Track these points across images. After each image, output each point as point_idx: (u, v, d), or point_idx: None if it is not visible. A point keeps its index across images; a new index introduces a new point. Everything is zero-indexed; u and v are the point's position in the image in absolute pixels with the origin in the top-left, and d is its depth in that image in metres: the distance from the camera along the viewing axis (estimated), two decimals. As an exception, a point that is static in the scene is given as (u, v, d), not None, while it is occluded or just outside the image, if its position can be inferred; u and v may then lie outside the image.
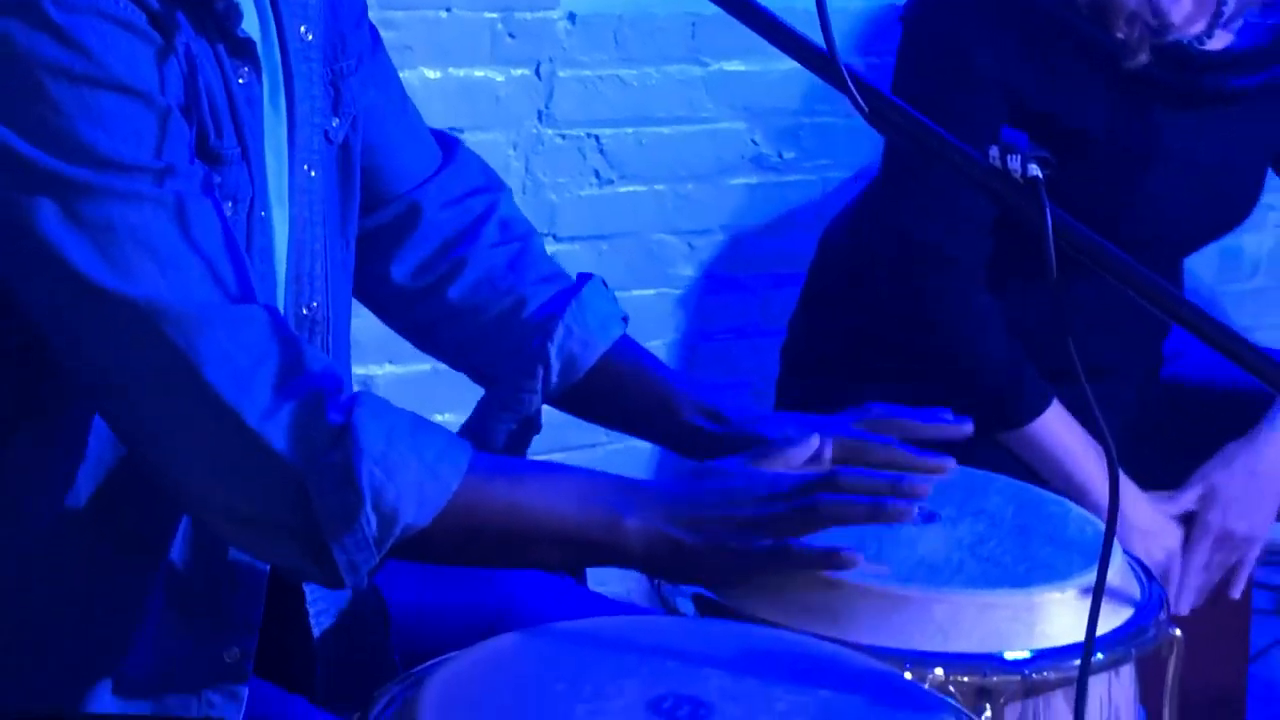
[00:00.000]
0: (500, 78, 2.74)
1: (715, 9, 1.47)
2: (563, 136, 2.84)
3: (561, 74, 2.79)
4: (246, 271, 1.48)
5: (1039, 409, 2.17)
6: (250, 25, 1.58)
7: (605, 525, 1.53)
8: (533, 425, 1.87)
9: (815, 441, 1.71)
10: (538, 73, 2.76)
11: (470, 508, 1.49)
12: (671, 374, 1.90)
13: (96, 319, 1.43)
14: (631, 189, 2.93)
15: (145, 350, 1.42)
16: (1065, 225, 1.42)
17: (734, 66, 2.93)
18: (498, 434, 1.87)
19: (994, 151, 1.42)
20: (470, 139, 2.67)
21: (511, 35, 2.73)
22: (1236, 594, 2.25)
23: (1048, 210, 1.40)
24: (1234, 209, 2.37)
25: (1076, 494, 2.10)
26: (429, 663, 1.48)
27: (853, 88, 1.42)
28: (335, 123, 1.71)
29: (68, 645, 1.57)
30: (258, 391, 1.42)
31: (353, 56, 1.74)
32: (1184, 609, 2.23)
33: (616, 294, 1.92)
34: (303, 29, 1.64)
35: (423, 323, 1.92)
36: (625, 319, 1.90)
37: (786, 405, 2.45)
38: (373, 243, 1.87)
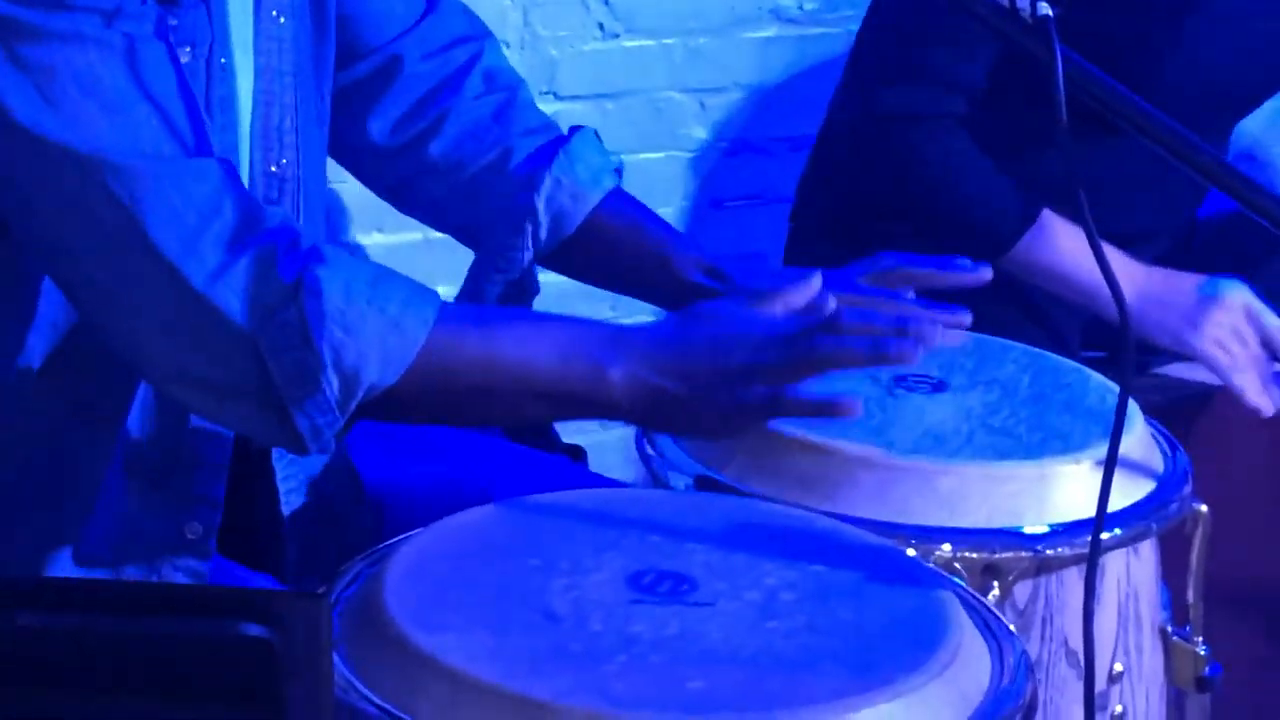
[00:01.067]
0: None
1: None
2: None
3: None
4: (201, 122, 1.47)
5: (1026, 224, 2.22)
6: None
7: (588, 375, 1.50)
8: (527, 289, 1.87)
9: (816, 282, 1.65)
10: None
11: (440, 363, 1.48)
12: (669, 230, 1.89)
13: (39, 170, 1.42)
14: (639, 43, 2.91)
15: (90, 205, 1.42)
16: (1079, 69, 1.42)
17: None
18: (491, 298, 1.87)
19: None
20: (465, -9, 2.68)
21: None
22: None
23: (1058, 51, 1.39)
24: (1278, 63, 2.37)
25: (1088, 298, 2.17)
26: (398, 538, 1.50)
27: None
28: None
29: (26, 513, 1.59)
30: (206, 250, 1.42)
31: None
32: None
33: (623, 157, 1.91)
34: None
35: (403, 181, 1.92)
36: (619, 171, 1.89)
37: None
38: (350, 98, 1.87)
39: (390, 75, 1.87)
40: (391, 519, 1.79)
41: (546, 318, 1.57)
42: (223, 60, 1.58)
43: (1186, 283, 2.24)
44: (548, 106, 2.75)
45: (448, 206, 1.91)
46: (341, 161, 1.92)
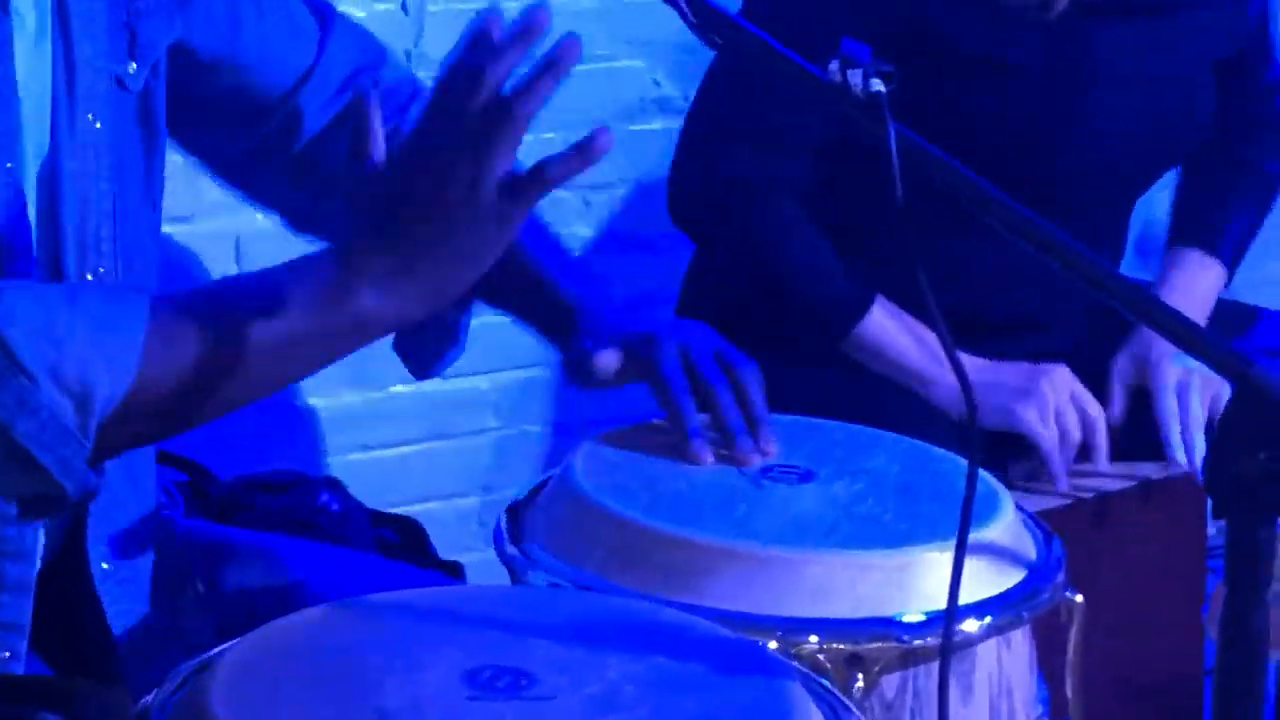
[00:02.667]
0: (363, 13, 2.70)
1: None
2: (435, 79, 2.82)
3: (432, 8, 2.80)
4: None
5: (859, 313, 2.27)
6: None
7: (334, 299, 1.48)
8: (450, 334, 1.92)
9: None
10: (404, 7, 2.78)
11: (174, 350, 1.45)
12: (551, 257, 1.95)
13: None
14: None
15: None
16: (916, 147, 1.47)
17: None
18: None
19: (834, 65, 1.48)
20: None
21: None
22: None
23: (891, 129, 1.45)
24: (1182, 127, 2.42)
25: (920, 383, 2.25)
26: (228, 643, 1.52)
27: None
28: (132, 68, 1.74)
29: None
30: None
31: None
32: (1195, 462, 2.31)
33: None
34: None
35: (302, 205, 1.97)
36: None
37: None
38: (259, 157, 1.92)
39: (294, 130, 1.92)
40: (234, 630, 1.81)
41: (265, 271, 1.51)
42: (9, 165, 1.60)
43: (1013, 367, 2.32)
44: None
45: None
46: (274, 210, 2.00)
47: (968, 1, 2.23)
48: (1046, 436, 2.28)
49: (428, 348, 1.93)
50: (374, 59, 1.99)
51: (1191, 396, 2.32)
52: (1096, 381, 2.39)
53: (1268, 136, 2.50)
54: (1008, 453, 2.31)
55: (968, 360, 2.25)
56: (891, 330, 2.27)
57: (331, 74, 1.93)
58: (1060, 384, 2.29)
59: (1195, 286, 2.41)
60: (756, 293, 2.33)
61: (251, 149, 1.92)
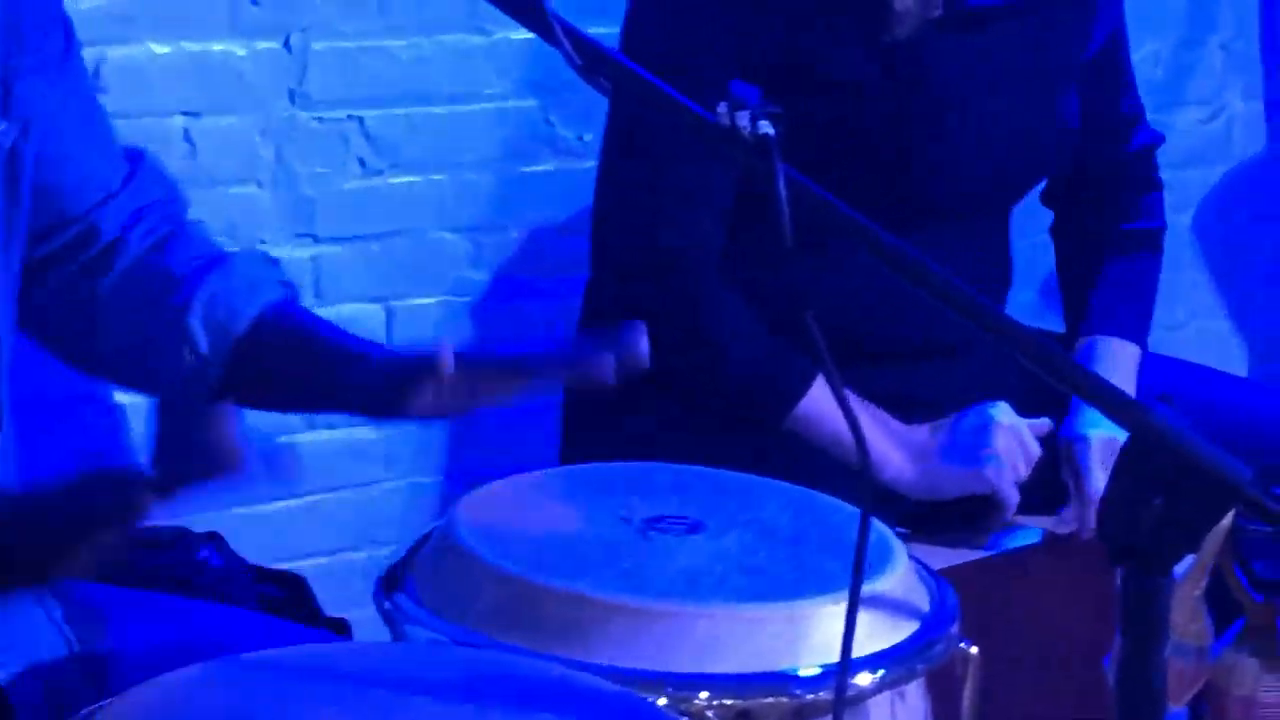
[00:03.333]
0: (243, 51, 2.76)
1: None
2: (320, 120, 2.85)
3: (316, 46, 2.80)
4: None
5: (797, 391, 2.25)
6: None
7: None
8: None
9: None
10: (287, 45, 2.78)
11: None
12: (348, 335, 1.91)
13: None
14: (404, 179, 2.94)
15: None
16: (802, 188, 1.48)
17: (521, 35, 2.82)
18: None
19: (722, 108, 1.48)
20: (209, 125, 2.72)
21: (255, 2, 2.75)
22: None
23: (779, 171, 1.46)
24: (1045, 134, 2.44)
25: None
26: (104, 701, 1.53)
27: (562, 37, 1.50)
28: (2, 125, 1.75)
29: None
30: None
31: (31, 54, 1.78)
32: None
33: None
34: None
35: (81, 337, 1.95)
36: (289, 285, 1.94)
37: (573, 426, 2.51)
38: (45, 271, 1.90)
39: (87, 245, 1.90)
40: (117, 686, 1.81)
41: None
42: None
43: (963, 425, 2.33)
44: (304, 250, 2.81)
45: (122, 352, 1.94)
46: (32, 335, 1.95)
47: (837, 28, 2.25)
48: (1011, 494, 2.32)
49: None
50: (173, 196, 1.98)
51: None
52: (1007, 396, 2.40)
53: (1130, 192, 2.52)
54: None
55: (916, 433, 2.31)
56: (829, 405, 2.21)
57: (133, 202, 1.93)
58: (1011, 431, 2.31)
59: (1124, 369, 2.43)
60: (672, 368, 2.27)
61: (45, 257, 1.90)
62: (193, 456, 1.74)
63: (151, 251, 1.92)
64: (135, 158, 1.97)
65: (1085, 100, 2.45)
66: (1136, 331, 2.46)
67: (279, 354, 1.89)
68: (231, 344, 1.87)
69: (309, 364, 1.88)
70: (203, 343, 1.86)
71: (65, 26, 1.88)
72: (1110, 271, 2.48)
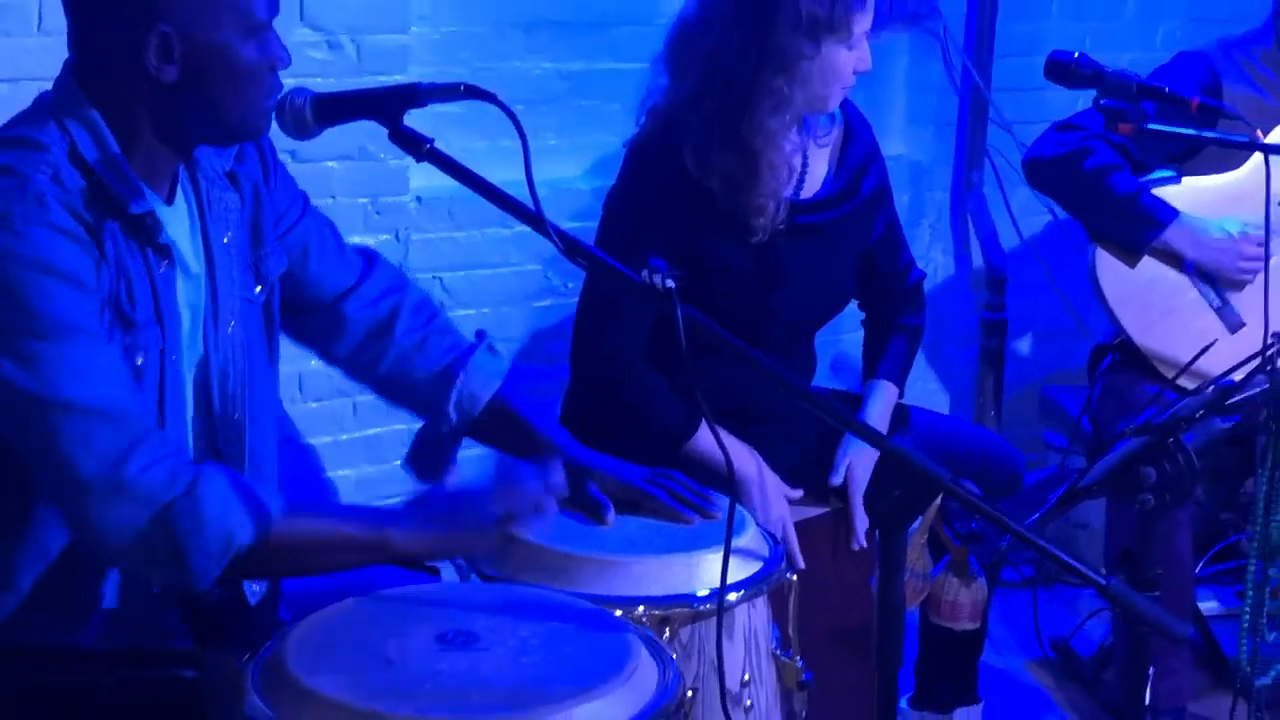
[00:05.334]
0: (373, 241, 2.60)
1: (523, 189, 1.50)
2: (416, 278, 2.67)
3: (414, 237, 2.75)
4: (137, 399, 1.49)
5: (687, 433, 2.17)
6: (177, 231, 1.58)
7: (376, 536, 1.54)
8: (448, 454, 1.86)
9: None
10: (397, 237, 2.72)
11: (283, 536, 1.50)
12: (541, 421, 1.88)
13: (35, 424, 1.43)
14: (464, 312, 2.81)
15: (72, 444, 1.43)
16: (694, 320, 1.47)
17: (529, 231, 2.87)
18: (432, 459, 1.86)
19: (645, 273, 1.48)
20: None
21: (378, 213, 2.69)
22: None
23: (678, 310, 1.45)
24: (839, 297, 2.40)
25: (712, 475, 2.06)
26: (293, 623, 1.52)
27: (554, 236, 1.49)
28: (257, 290, 1.70)
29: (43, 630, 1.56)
30: (130, 469, 1.44)
31: (273, 239, 1.72)
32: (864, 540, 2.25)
33: None
34: (226, 238, 1.65)
35: (367, 380, 1.89)
36: (509, 373, 1.87)
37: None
38: (316, 334, 1.84)
39: (337, 323, 1.83)
40: (303, 612, 1.78)
41: (340, 507, 1.60)
42: (173, 358, 1.57)
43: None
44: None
45: (398, 398, 1.89)
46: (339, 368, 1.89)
47: (720, 234, 2.20)
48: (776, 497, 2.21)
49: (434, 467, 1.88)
50: (399, 285, 1.88)
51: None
52: (810, 438, 2.33)
53: (906, 305, 2.46)
54: None
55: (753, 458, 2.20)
56: (709, 440, 2.13)
57: (369, 291, 1.84)
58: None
59: (885, 402, 2.36)
60: (616, 419, 2.21)
61: (311, 328, 1.84)
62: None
63: (415, 358, 1.84)
64: (371, 259, 1.88)
65: (878, 261, 2.40)
66: (899, 379, 2.40)
67: (494, 428, 1.85)
68: (470, 420, 1.84)
69: (512, 434, 1.85)
70: (454, 418, 1.83)
71: (302, 197, 1.81)
72: (890, 345, 2.41)
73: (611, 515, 1.79)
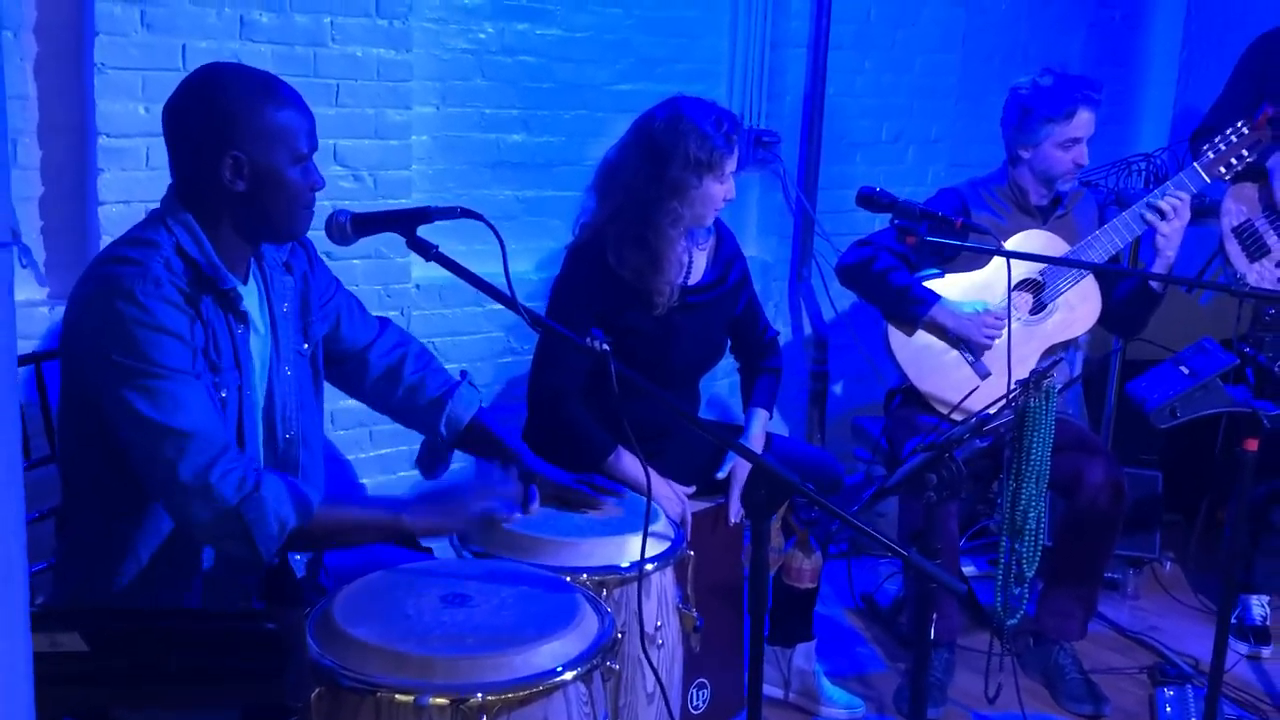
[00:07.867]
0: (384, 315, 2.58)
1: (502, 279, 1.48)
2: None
3: (415, 313, 2.69)
4: (221, 424, 1.47)
5: (607, 453, 2.13)
6: (250, 303, 1.57)
7: (391, 520, 1.52)
8: (443, 457, 1.85)
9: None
10: (402, 313, 2.65)
11: (322, 521, 1.48)
12: (507, 438, 1.84)
13: (149, 441, 1.43)
14: (451, 365, 2.51)
15: (169, 455, 1.42)
16: (622, 373, 1.47)
17: (497, 307, 2.72)
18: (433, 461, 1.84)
19: (588, 339, 1.49)
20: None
21: (389, 295, 2.63)
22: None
23: (612, 365, 1.45)
24: (716, 352, 2.38)
25: (631, 484, 2.03)
26: (336, 590, 1.49)
27: (523, 311, 1.49)
28: (305, 346, 1.70)
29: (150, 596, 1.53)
30: (217, 477, 1.43)
31: (317, 309, 1.70)
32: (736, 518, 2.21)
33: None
34: (285, 306, 1.65)
35: (383, 408, 1.87)
36: (481, 402, 1.86)
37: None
38: (348, 376, 1.83)
39: (363, 366, 1.82)
40: (339, 580, 1.72)
41: (366, 499, 1.52)
42: (248, 393, 1.57)
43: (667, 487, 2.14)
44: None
45: (405, 419, 1.85)
46: (358, 399, 1.85)
47: (634, 308, 2.20)
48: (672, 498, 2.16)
49: (435, 468, 1.87)
50: (405, 341, 1.85)
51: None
52: (699, 455, 2.29)
53: (767, 354, 2.43)
54: None
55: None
56: (627, 461, 2.12)
57: (384, 344, 1.83)
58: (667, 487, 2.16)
59: (761, 422, 2.34)
60: (559, 439, 2.18)
61: (344, 371, 1.83)
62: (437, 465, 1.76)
63: (417, 390, 1.83)
64: (384, 322, 1.86)
65: (743, 326, 2.39)
66: (769, 405, 2.37)
67: (474, 442, 1.83)
68: (456, 436, 1.82)
69: (486, 446, 1.82)
70: (444, 434, 1.81)
71: (335, 281, 1.78)
72: (759, 383, 2.39)
73: (536, 506, 1.75)
